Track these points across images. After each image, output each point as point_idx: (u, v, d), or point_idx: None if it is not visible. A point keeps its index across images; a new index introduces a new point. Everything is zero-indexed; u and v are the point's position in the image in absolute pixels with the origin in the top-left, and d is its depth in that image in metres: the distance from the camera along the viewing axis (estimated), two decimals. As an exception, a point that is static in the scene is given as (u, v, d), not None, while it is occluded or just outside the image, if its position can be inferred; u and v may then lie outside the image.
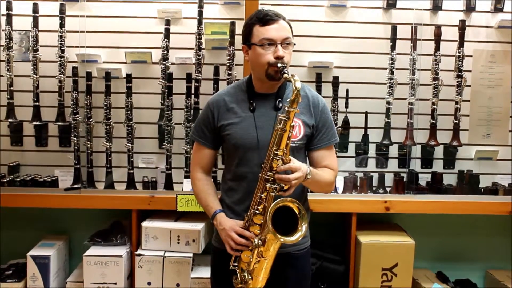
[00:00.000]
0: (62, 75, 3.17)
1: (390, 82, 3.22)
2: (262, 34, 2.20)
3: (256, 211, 2.17)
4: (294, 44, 2.27)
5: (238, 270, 2.25)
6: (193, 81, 3.18)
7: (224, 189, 2.42)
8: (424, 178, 3.36)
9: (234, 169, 2.33)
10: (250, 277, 2.21)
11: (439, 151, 3.37)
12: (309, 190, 2.47)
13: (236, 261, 2.26)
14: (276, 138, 2.11)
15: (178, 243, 3.02)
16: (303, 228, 2.12)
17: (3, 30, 3.18)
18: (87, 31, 3.18)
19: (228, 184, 2.38)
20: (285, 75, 2.12)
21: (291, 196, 2.14)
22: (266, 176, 2.14)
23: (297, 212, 2.13)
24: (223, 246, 2.27)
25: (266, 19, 2.20)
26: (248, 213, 2.21)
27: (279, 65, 2.16)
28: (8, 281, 3.08)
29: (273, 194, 2.13)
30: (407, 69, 3.22)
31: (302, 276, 2.40)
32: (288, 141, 2.12)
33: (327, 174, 2.32)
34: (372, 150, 3.35)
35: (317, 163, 2.32)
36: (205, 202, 2.39)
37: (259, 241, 2.15)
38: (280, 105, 2.26)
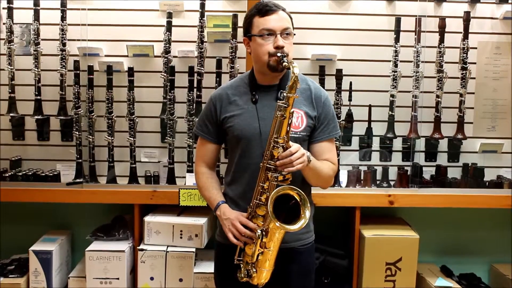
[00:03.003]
0: (64, 69, 3.16)
1: (394, 75, 3.19)
2: (261, 24, 2.20)
3: (259, 202, 2.15)
4: (294, 35, 2.26)
5: (242, 264, 2.24)
6: (195, 74, 3.16)
7: (226, 182, 2.41)
8: (428, 172, 3.34)
9: (237, 161, 2.32)
10: (254, 270, 2.19)
11: (443, 144, 3.35)
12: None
13: (240, 255, 2.24)
14: (276, 126, 2.10)
15: (181, 237, 3.01)
16: (306, 214, 2.10)
17: (4, 24, 3.16)
18: (89, 24, 3.17)
19: (231, 177, 2.37)
20: (284, 63, 2.13)
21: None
22: (267, 165, 2.12)
23: (298, 199, 2.11)
24: (226, 241, 2.25)
25: (265, 9, 2.21)
26: (251, 204, 2.19)
27: (278, 54, 2.16)
28: (10, 276, 3.08)
29: (275, 183, 2.11)
30: (411, 61, 3.19)
31: (306, 271, 2.39)
32: (288, 128, 2.10)
33: (328, 167, 2.30)
34: (376, 143, 3.33)
35: (318, 156, 2.29)
36: (208, 194, 2.38)
37: (262, 231, 2.13)
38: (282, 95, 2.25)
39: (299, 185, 2.18)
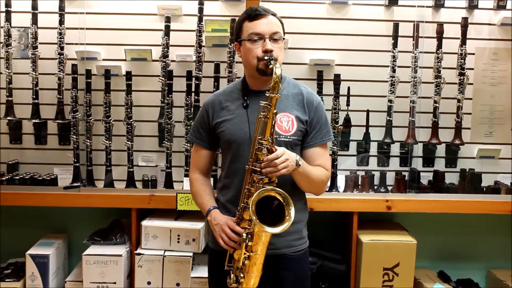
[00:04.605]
0: (62, 73, 3.16)
1: (391, 80, 3.20)
2: (251, 28, 2.21)
3: (246, 205, 2.14)
4: (284, 39, 2.27)
5: (232, 270, 2.22)
6: (194, 78, 3.16)
7: (219, 188, 2.41)
8: (426, 177, 3.35)
9: (228, 166, 2.32)
10: (242, 275, 2.17)
11: (441, 150, 3.35)
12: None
13: (230, 261, 2.23)
14: (259, 127, 2.10)
15: (178, 242, 3.01)
16: (291, 214, 2.07)
17: (2, 27, 3.16)
18: (87, 28, 3.17)
19: (223, 182, 2.36)
20: (271, 65, 2.13)
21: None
22: (252, 167, 2.12)
23: (281, 199, 2.09)
24: (218, 247, 2.25)
25: (254, 14, 2.22)
26: (238, 207, 2.19)
27: (266, 57, 2.16)
28: (7, 280, 3.07)
29: (261, 185, 2.10)
30: (409, 67, 3.20)
31: (300, 278, 2.36)
32: (272, 130, 2.10)
33: (320, 172, 2.28)
34: (373, 148, 3.33)
35: (311, 161, 2.28)
36: (201, 200, 2.39)
37: (248, 234, 2.12)
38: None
39: (290, 190, 2.15)
